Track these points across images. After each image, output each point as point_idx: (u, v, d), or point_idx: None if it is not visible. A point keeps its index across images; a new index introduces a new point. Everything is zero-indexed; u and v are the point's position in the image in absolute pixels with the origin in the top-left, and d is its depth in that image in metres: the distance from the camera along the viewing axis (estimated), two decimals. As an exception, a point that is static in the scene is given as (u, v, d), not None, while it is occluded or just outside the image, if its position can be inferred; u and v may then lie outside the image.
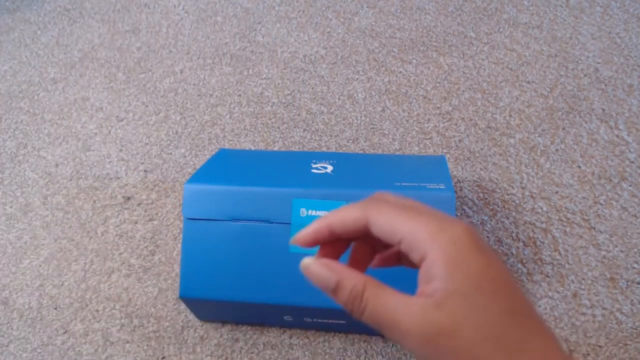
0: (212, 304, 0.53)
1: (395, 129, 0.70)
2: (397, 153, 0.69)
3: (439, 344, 0.20)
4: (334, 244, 0.27)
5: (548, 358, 0.20)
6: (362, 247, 0.28)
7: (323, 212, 0.49)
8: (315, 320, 0.53)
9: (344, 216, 0.25)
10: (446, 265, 0.21)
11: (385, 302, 0.22)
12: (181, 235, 0.58)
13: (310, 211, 0.50)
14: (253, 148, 0.72)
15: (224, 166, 0.58)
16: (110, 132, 0.78)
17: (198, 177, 0.54)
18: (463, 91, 0.72)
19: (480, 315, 0.20)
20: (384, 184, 0.50)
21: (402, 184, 0.50)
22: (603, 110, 0.67)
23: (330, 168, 0.55)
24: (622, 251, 0.58)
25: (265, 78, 0.79)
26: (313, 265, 0.26)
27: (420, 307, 0.21)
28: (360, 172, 0.54)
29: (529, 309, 0.21)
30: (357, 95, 0.74)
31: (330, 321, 0.53)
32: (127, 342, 0.60)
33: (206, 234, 0.51)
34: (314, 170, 0.54)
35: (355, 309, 0.23)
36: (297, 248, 0.50)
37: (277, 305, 0.51)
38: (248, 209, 0.51)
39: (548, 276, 0.57)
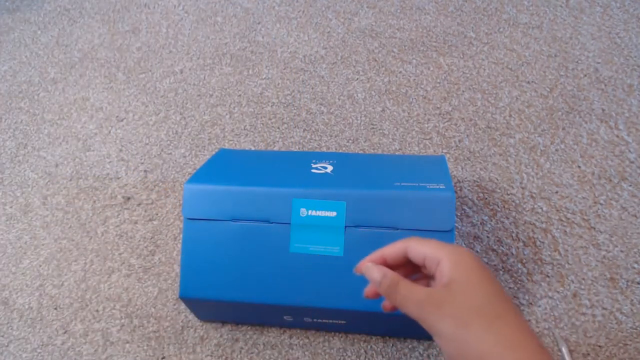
0: (212, 304, 0.53)
1: (395, 129, 0.71)
2: (397, 153, 0.69)
3: (443, 310, 0.30)
4: None
5: (519, 328, 0.29)
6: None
7: (323, 212, 0.49)
8: (315, 320, 0.53)
9: (392, 246, 0.37)
10: (452, 265, 0.32)
11: (412, 289, 0.33)
12: (181, 235, 0.58)
13: (310, 211, 0.50)
14: (253, 148, 0.72)
15: (224, 166, 0.58)
16: (110, 132, 0.78)
17: (198, 177, 0.54)
18: (463, 91, 0.72)
19: (470, 294, 0.31)
20: (384, 184, 0.50)
21: (402, 183, 0.50)
22: (603, 110, 0.67)
23: (330, 168, 0.55)
24: (622, 251, 0.58)
25: (265, 78, 0.79)
26: (370, 265, 0.36)
27: (434, 290, 0.32)
28: (360, 172, 0.54)
29: (505, 297, 0.31)
30: (357, 95, 0.75)
31: (330, 321, 0.53)
32: (127, 342, 0.60)
33: (206, 234, 0.51)
34: (314, 170, 0.54)
35: (392, 295, 0.34)
36: (298, 248, 0.50)
37: (277, 306, 0.51)
38: (248, 209, 0.51)
39: (548, 276, 0.57)
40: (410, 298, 0.32)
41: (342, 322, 0.53)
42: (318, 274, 0.49)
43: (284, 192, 0.50)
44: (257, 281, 0.50)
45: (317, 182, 0.51)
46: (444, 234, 0.48)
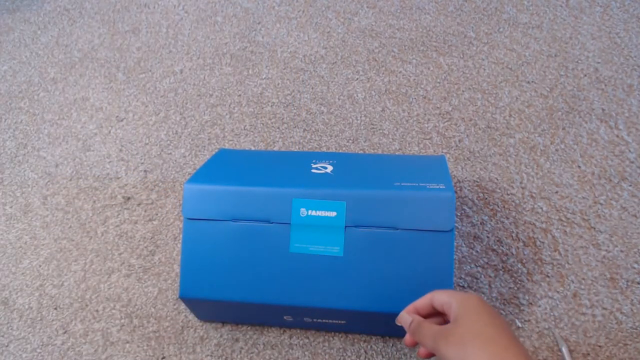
0: (212, 304, 0.53)
1: (395, 129, 0.71)
2: (397, 153, 0.69)
3: (449, 339, 0.37)
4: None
5: (511, 349, 0.35)
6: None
7: (323, 212, 0.49)
8: (315, 320, 0.53)
9: (421, 299, 0.43)
10: (458, 305, 0.39)
11: (430, 327, 0.40)
12: (181, 235, 0.58)
13: (310, 211, 0.50)
14: (253, 148, 0.72)
15: (224, 166, 0.58)
16: (110, 132, 0.78)
17: (198, 177, 0.54)
18: (463, 91, 0.72)
19: (470, 324, 0.37)
20: (384, 184, 0.50)
21: (402, 183, 0.50)
22: (603, 110, 0.67)
23: (330, 168, 0.55)
24: (622, 251, 0.58)
25: (265, 78, 0.79)
26: (403, 314, 0.44)
27: (445, 326, 0.39)
28: (360, 172, 0.54)
29: (503, 328, 0.37)
30: (357, 95, 0.75)
31: (330, 321, 0.53)
32: (127, 342, 0.60)
33: (206, 234, 0.51)
34: (314, 170, 0.54)
35: (416, 333, 0.41)
36: (298, 248, 0.50)
37: (277, 306, 0.51)
38: (248, 209, 0.51)
39: (548, 276, 0.57)
40: (427, 334, 0.39)
41: (342, 322, 0.53)
42: (318, 274, 0.49)
43: (284, 192, 0.50)
44: (257, 281, 0.50)
45: (317, 182, 0.51)
46: (444, 234, 0.48)
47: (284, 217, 0.50)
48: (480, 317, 0.37)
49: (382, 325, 0.53)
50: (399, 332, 0.56)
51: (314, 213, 0.50)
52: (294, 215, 0.50)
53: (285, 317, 0.54)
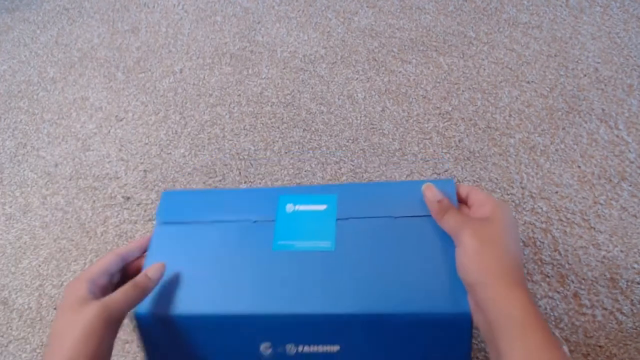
0: (172, 331, 0.44)
1: (395, 129, 0.70)
2: (396, 153, 0.69)
3: (480, 231, 0.41)
4: None
5: (510, 257, 0.39)
6: None
7: (312, 206, 0.47)
8: (300, 349, 0.43)
9: (466, 188, 0.48)
10: (497, 211, 0.42)
11: (457, 213, 0.43)
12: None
13: (297, 206, 0.46)
14: (253, 148, 0.72)
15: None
16: (109, 132, 0.78)
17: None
18: (463, 91, 0.72)
19: (495, 231, 0.41)
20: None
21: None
22: (603, 110, 0.67)
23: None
24: (622, 251, 0.58)
25: (265, 78, 0.79)
26: (431, 185, 0.46)
27: (479, 220, 0.43)
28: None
29: (515, 254, 0.41)
30: (357, 95, 0.74)
31: (321, 348, 0.43)
32: (127, 342, 0.60)
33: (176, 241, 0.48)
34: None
35: (440, 213, 0.43)
36: (282, 245, 0.46)
37: (255, 318, 0.42)
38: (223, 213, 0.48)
39: (548, 276, 0.57)
40: (453, 220, 0.42)
41: (335, 349, 0.43)
42: (305, 273, 0.43)
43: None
44: (232, 291, 0.43)
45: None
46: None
47: (267, 215, 0.46)
48: (509, 234, 0.42)
49: (383, 344, 0.43)
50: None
51: (301, 208, 0.46)
52: (280, 211, 0.46)
53: (262, 348, 0.43)
